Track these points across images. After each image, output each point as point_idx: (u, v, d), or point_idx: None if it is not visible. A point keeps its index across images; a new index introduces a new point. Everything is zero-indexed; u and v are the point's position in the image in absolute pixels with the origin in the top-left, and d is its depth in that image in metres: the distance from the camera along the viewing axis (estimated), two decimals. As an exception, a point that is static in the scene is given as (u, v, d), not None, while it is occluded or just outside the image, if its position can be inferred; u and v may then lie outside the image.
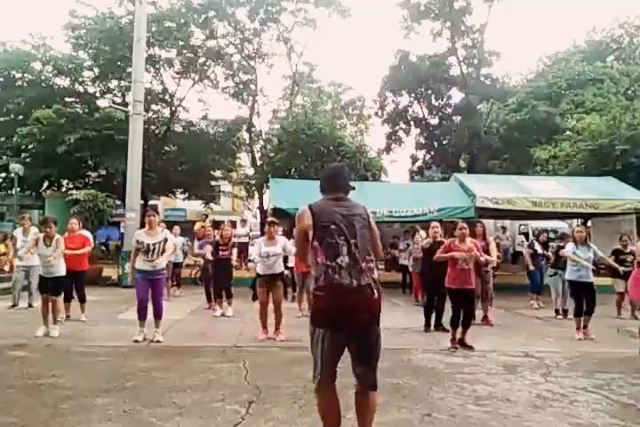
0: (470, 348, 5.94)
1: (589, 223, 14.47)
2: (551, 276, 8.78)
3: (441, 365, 5.20)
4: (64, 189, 17.59)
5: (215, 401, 3.89)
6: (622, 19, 29.22)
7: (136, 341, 5.94)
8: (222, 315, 8.16)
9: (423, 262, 7.84)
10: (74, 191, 15.53)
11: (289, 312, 7.45)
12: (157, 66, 18.53)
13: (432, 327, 7.18)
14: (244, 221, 16.62)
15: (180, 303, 9.21)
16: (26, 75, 17.70)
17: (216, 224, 12.27)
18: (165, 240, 6.16)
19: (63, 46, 17.97)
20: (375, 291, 2.77)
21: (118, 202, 15.42)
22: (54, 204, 15.74)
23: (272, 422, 3.48)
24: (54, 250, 6.42)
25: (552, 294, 8.69)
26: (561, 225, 18.47)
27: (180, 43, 17.96)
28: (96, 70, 17.86)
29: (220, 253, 8.30)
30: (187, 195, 21.09)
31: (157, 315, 6.19)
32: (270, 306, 6.45)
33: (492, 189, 12.13)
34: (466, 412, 3.76)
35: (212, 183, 21.07)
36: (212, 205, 21.46)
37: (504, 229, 16.33)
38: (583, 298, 6.77)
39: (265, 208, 17.38)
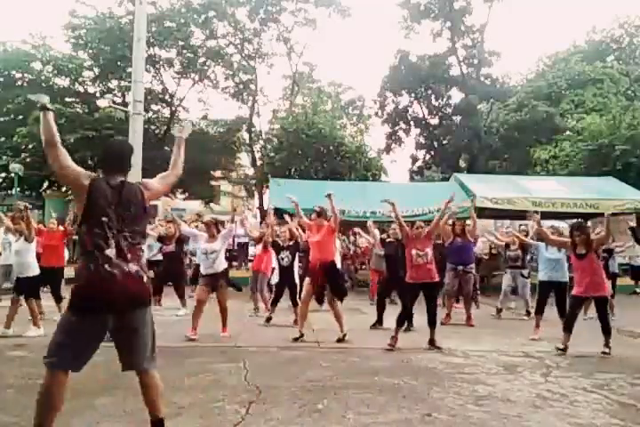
0: (439, 348, 5.88)
1: (589, 223, 14.46)
2: (503, 275, 8.87)
3: (441, 365, 5.20)
4: (64, 189, 17.59)
5: (215, 401, 3.89)
6: (622, 19, 29.22)
7: None
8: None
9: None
10: (74, 191, 15.51)
11: (283, 313, 7.46)
12: (157, 66, 18.54)
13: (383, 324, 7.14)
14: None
15: (179, 304, 9.18)
16: (26, 75, 17.71)
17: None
18: None
19: (63, 46, 18.02)
20: (143, 275, 2.85)
21: (118, 202, 15.40)
22: (54, 204, 15.74)
23: (272, 422, 3.47)
24: (23, 240, 6.35)
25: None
26: (561, 225, 18.46)
27: (180, 43, 17.98)
28: (96, 70, 17.88)
29: (164, 247, 8.27)
30: (187, 195, 21.09)
31: None
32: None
33: (491, 189, 12.13)
34: (466, 412, 3.75)
35: (212, 183, 21.08)
36: (211, 204, 21.47)
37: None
38: (548, 298, 6.74)
39: (265, 208, 17.37)
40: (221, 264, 6.41)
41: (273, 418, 3.54)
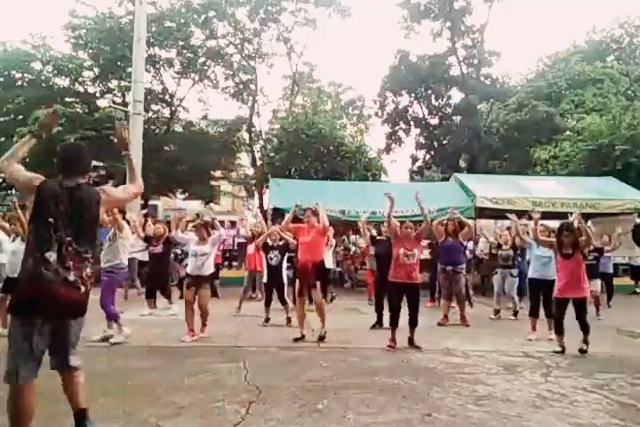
0: (418, 348, 5.87)
1: (589, 223, 14.45)
2: (494, 275, 8.82)
3: (441, 365, 5.20)
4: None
5: (215, 401, 3.89)
6: (622, 19, 29.16)
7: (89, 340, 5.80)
8: (150, 314, 7.92)
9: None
10: (74, 191, 15.51)
11: (281, 313, 7.45)
12: (157, 66, 18.53)
13: (383, 325, 7.12)
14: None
15: (177, 304, 9.18)
16: (26, 75, 17.68)
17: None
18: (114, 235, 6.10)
19: (63, 46, 17.97)
20: (82, 286, 2.81)
21: (118, 202, 15.40)
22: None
23: (272, 422, 3.48)
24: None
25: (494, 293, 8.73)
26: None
27: (180, 43, 17.96)
28: (96, 70, 17.86)
29: (151, 248, 8.17)
30: (186, 195, 21.08)
31: (108, 316, 5.99)
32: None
33: (492, 189, 12.11)
34: (466, 412, 3.76)
35: (212, 183, 21.07)
36: (211, 204, 21.47)
37: (509, 229, 16.33)
38: (541, 297, 6.74)
39: (265, 208, 17.40)
40: (209, 268, 6.44)
41: (273, 418, 3.55)
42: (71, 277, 2.76)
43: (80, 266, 2.81)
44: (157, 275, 8.20)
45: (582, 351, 5.80)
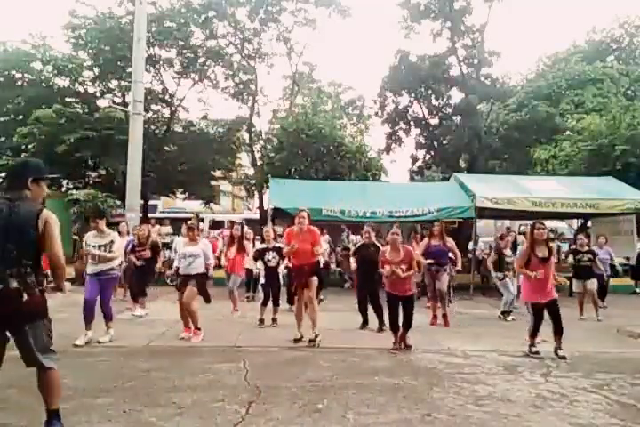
0: (409, 347, 5.88)
1: (589, 223, 14.47)
2: (501, 280, 8.54)
3: (441, 365, 5.21)
4: (64, 189, 17.59)
5: (215, 401, 3.90)
6: (622, 19, 29.11)
7: (75, 345, 5.67)
8: (133, 315, 7.97)
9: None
10: (74, 191, 15.54)
11: (283, 313, 7.46)
12: (157, 66, 18.54)
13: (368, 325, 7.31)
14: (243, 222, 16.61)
15: (167, 305, 9.16)
16: (26, 75, 17.71)
17: (216, 224, 12.19)
18: (112, 242, 6.17)
19: (63, 46, 18.01)
20: (25, 295, 2.89)
21: (118, 202, 15.44)
22: (54, 204, 15.71)
23: (272, 423, 3.48)
24: None
25: (503, 297, 8.58)
26: (561, 225, 18.46)
27: (180, 43, 17.97)
28: (96, 70, 17.87)
29: (137, 253, 8.18)
30: (187, 195, 21.09)
31: (106, 315, 6.08)
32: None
33: (492, 189, 12.11)
34: (466, 412, 3.76)
35: (212, 183, 21.08)
36: (211, 204, 21.48)
37: (509, 229, 16.34)
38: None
39: (265, 208, 17.39)
40: (199, 269, 6.48)
41: (273, 418, 3.55)
42: (12, 286, 2.86)
43: (23, 273, 2.89)
44: (143, 278, 8.26)
45: (564, 358, 5.59)
